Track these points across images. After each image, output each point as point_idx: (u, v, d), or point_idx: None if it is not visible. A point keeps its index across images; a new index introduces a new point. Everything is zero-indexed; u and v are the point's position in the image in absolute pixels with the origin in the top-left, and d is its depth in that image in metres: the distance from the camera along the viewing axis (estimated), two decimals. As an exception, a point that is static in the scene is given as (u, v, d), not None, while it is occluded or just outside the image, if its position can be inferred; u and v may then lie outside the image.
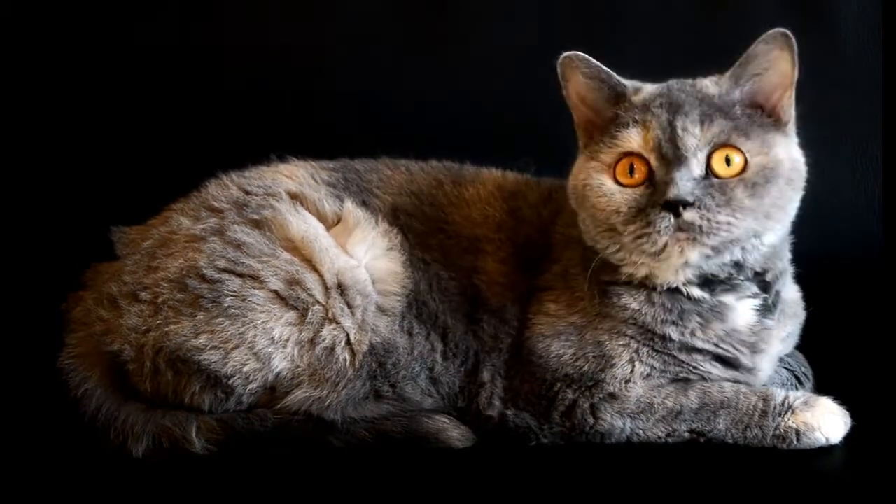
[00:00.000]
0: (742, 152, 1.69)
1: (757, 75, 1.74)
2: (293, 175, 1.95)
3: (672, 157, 1.68)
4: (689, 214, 1.65)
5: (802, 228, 1.86)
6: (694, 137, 1.68)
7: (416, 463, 1.76)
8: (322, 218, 1.88)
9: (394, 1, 2.63)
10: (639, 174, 1.71)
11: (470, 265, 1.88)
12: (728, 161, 1.68)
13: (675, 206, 1.65)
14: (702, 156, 1.68)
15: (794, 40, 1.71)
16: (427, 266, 1.89)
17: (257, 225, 1.83)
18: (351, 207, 1.89)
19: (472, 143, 2.16)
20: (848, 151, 2.51)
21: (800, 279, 1.93)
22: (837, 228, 2.48)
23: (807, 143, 1.79)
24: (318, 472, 1.74)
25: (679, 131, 1.68)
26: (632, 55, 2.48)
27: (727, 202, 1.67)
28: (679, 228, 1.66)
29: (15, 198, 2.58)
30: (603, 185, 1.73)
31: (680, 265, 1.73)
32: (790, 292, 1.90)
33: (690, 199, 1.65)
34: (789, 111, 1.76)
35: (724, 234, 1.67)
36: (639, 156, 1.71)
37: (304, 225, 1.83)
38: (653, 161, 1.70)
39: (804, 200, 1.78)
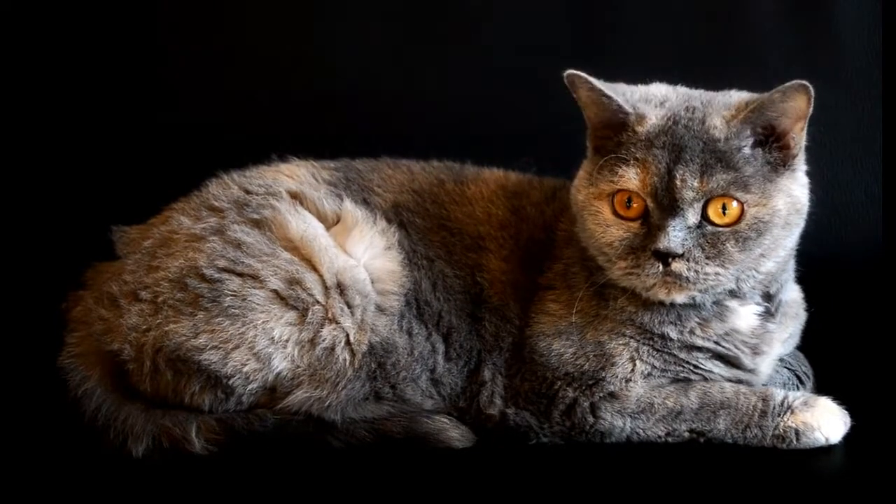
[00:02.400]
0: (740, 202, 1.68)
1: (771, 118, 1.70)
2: (294, 174, 1.95)
3: (667, 205, 1.67)
4: (676, 266, 1.67)
5: (802, 228, 1.86)
6: (691, 190, 1.67)
7: (416, 463, 1.76)
8: (322, 217, 1.87)
9: (394, 1, 2.63)
10: (636, 208, 1.71)
11: (473, 263, 1.88)
12: (724, 208, 1.68)
13: (665, 257, 1.66)
14: (698, 206, 1.68)
15: (812, 91, 1.66)
16: (431, 263, 1.88)
17: (257, 225, 1.83)
18: (350, 206, 1.89)
19: (472, 143, 2.16)
20: (848, 151, 2.51)
21: (800, 279, 1.93)
22: (837, 228, 2.47)
23: (807, 144, 1.79)
24: (318, 472, 1.74)
25: (677, 182, 1.66)
26: (631, 55, 2.48)
27: (717, 255, 1.68)
28: (667, 275, 1.68)
29: (15, 198, 2.58)
30: (600, 214, 1.74)
31: (667, 302, 1.75)
32: (791, 293, 1.90)
33: (680, 251, 1.66)
34: (800, 144, 1.73)
35: (710, 283, 1.70)
36: (636, 194, 1.71)
37: (303, 224, 1.83)
38: (649, 202, 1.69)
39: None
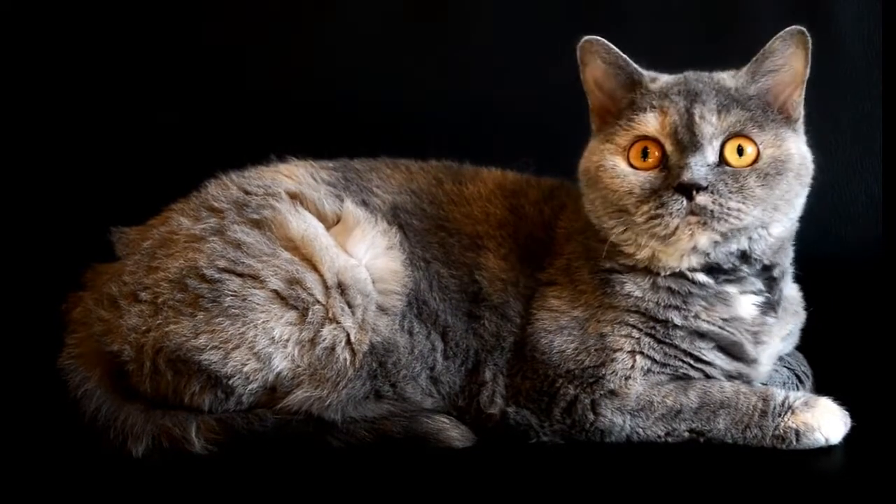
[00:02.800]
0: (755, 143, 1.72)
1: (772, 72, 1.77)
2: (293, 175, 1.95)
3: (688, 142, 1.70)
4: (701, 198, 1.68)
5: (803, 228, 1.87)
6: (710, 125, 1.71)
7: (416, 463, 1.76)
8: (322, 217, 1.88)
9: (394, 1, 2.63)
10: (652, 158, 1.74)
11: (471, 262, 1.89)
12: (740, 151, 1.72)
13: (689, 190, 1.68)
14: (717, 144, 1.71)
15: (809, 38, 1.74)
16: (427, 264, 1.89)
17: (257, 225, 1.83)
18: (351, 207, 1.89)
19: (471, 143, 2.16)
20: (848, 151, 2.51)
21: (800, 279, 1.94)
22: (837, 228, 2.48)
23: (807, 143, 1.80)
24: (318, 472, 1.74)
25: (696, 118, 1.71)
26: (631, 55, 2.48)
27: (739, 189, 1.70)
28: (691, 212, 1.69)
29: (15, 198, 2.58)
30: (617, 167, 1.76)
31: (688, 249, 1.75)
32: (791, 290, 1.91)
33: (704, 183, 1.68)
34: (799, 108, 1.80)
35: (733, 220, 1.70)
36: (654, 140, 1.74)
37: (303, 224, 1.83)
38: (668, 146, 1.72)
39: (805, 200, 1.80)
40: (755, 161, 1.72)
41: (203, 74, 2.62)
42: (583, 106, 1.88)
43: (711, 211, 1.68)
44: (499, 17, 2.61)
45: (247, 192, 1.90)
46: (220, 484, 1.72)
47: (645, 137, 1.74)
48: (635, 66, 1.80)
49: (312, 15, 2.63)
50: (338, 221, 1.88)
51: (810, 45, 1.75)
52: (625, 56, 1.79)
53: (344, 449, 1.79)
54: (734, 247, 1.75)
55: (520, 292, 1.86)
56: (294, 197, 1.89)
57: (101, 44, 2.60)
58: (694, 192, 1.67)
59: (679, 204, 1.68)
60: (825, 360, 1.99)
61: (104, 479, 1.73)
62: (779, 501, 1.63)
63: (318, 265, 1.80)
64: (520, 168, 2.04)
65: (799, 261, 1.90)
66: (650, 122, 1.74)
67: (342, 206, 1.89)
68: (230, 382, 1.78)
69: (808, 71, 1.76)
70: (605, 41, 1.79)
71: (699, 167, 1.69)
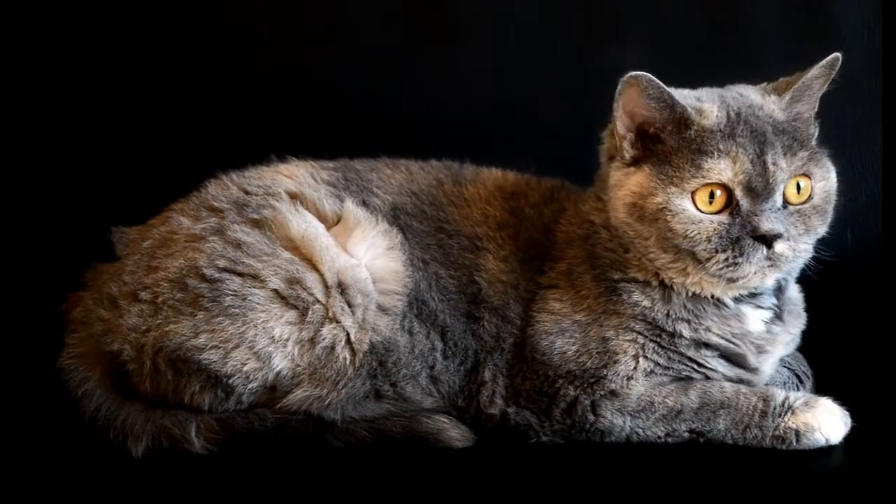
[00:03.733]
0: (810, 179, 1.72)
1: (809, 97, 1.77)
2: (293, 175, 1.95)
3: (761, 190, 1.68)
4: (780, 246, 1.69)
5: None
6: (782, 172, 1.69)
7: (416, 463, 1.76)
8: (322, 217, 1.88)
9: (394, 1, 2.63)
10: (719, 201, 1.70)
11: (471, 263, 1.88)
12: (798, 187, 1.71)
13: (770, 240, 1.68)
14: (782, 188, 1.70)
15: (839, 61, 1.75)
16: (426, 265, 1.89)
17: (257, 224, 1.83)
18: (351, 207, 1.89)
19: (471, 143, 2.16)
20: (848, 151, 2.51)
21: (800, 279, 1.93)
22: (837, 228, 2.47)
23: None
24: (318, 472, 1.74)
25: (770, 165, 1.68)
26: (632, 54, 2.48)
27: (807, 230, 1.72)
28: (769, 258, 1.69)
29: (15, 198, 2.58)
30: (687, 212, 1.70)
31: (750, 287, 1.78)
32: (793, 291, 1.91)
33: (782, 231, 1.68)
34: (814, 123, 1.80)
35: (801, 260, 1.74)
36: (724, 186, 1.70)
37: (304, 224, 1.83)
38: (738, 192, 1.69)
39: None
40: (810, 196, 1.72)
41: (203, 74, 2.61)
42: (583, 106, 1.88)
43: (787, 256, 1.70)
44: (499, 17, 2.61)
45: (247, 192, 1.90)
46: (220, 484, 1.72)
47: (716, 184, 1.70)
48: (680, 101, 1.72)
49: (312, 15, 2.63)
50: (338, 221, 1.88)
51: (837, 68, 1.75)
52: (670, 92, 1.71)
53: (344, 449, 1.79)
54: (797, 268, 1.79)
55: (520, 294, 1.86)
56: (294, 197, 1.89)
57: (102, 44, 2.59)
58: (773, 241, 1.68)
59: (760, 253, 1.68)
60: (825, 360, 1.99)
61: (104, 479, 1.73)
62: (779, 501, 1.63)
63: (318, 265, 1.80)
64: (521, 168, 2.04)
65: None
66: (724, 171, 1.68)
67: (342, 206, 1.89)
68: (230, 382, 1.78)
69: (824, 87, 1.78)
70: (653, 78, 1.69)
71: (776, 213, 1.68)
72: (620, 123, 1.75)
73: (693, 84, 1.84)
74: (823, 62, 1.74)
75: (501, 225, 1.91)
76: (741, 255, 1.69)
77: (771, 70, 2.46)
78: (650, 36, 2.55)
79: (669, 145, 1.73)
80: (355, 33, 2.61)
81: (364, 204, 1.92)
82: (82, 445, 1.80)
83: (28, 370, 2.03)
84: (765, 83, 1.82)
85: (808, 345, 1.97)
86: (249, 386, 1.78)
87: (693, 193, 1.70)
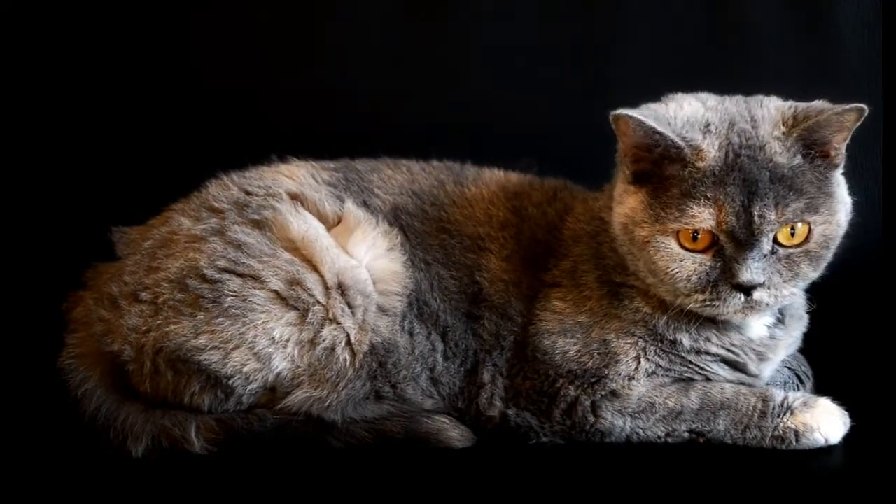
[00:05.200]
0: (808, 223, 1.68)
1: (824, 136, 1.69)
2: (294, 175, 1.95)
3: (745, 240, 1.66)
4: (758, 294, 1.68)
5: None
6: (769, 224, 1.65)
7: (416, 463, 1.76)
8: (323, 218, 1.88)
9: (394, 1, 2.63)
10: (703, 240, 1.68)
11: (472, 263, 1.88)
12: (793, 231, 1.68)
13: (748, 289, 1.67)
14: (772, 235, 1.67)
15: (867, 112, 1.67)
16: (428, 266, 1.89)
17: (258, 225, 1.83)
18: (352, 208, 1.89)
19: (473, 143, 2.15)
20: (848, 152, 2.51)
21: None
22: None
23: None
24: (317, 473, 1.74)
25: (756, 217, 1.64)
26: (632, 54, 2.48)
27: (793, 277, 1.69)
28: (748, 304, 1.68)
29: (15, 198, 2.58)
30: (670, 249, 1.69)
31: (739, 323, 1.77)
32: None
33: (762, 280, 1.66)
34: (841, 153, 1.72)
35: (785, 302, 1.73)
36: (708, 231, 1.68)
37: (304, 225, 1.83)
38: (723, 238, 1.67)
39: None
40: (806, 238, 1.68)
41: (204, 74, 2.61)
42: (583, 106, 1.88)
43: (767, 303, 1.69)
44: (500, 17, 2.61)
45: (248, 193, 1.90)
46: (219, 484, 1.72)
47: (701, 229, 1.68)
48: (674, 138, 1.65)
49: (313, 15, 2.62)
50: (339, 222, 1.88)
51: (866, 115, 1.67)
52: (661, 129, 1.65)
53: (344, 449, 1.79)
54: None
55: (522, 292, 1.86)
56: (295, 197, 1.89)
57: (102, 44, 2.59)
58: (752, 290, 1.67)
59: (736, 300, 1.68)
60: (825, 360, 1.99)
61: (104, 479, 1.73)
62: (779, 501, 1.63)
63: (318, 266, 1.80)
64: (523, 168, 2.04)
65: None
66: (706, 219, 1.65)
67: (343, 206, 1.89)
68: (230, 383, 1.78)
69: (857, 125, 1.69)
70: (638, 117, 1.64)
71: (757, 263, 1.65)
72: (620, 143, 1.72)
73: (694, 85, 1.84)
74: (842, 108, 1.66)
75: (504, 225, 1.91)
76: (718, 298, 1.68)
77: (770, 70, 2.47)
78: (651, 36, 2.54)
79: (667, 174, 1.69)
80: (356, 33, 2.61)
81: (365, 204, 1.92)
82: (82, 445, 1.80)
83: (28, 370, 2.03)
84: (790, 103, 1.74)
85: (809, 345, 1.97)
86: (249, 387, 1.79)
87: (678, 232, 1.69)
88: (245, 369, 1.77)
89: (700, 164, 1.67)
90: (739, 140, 1.68)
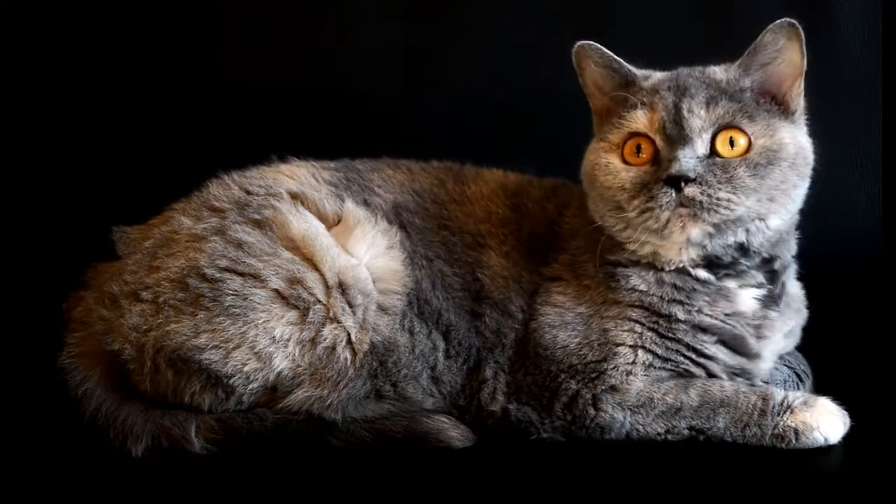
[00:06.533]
0: (746, 134, 1.73)
1: (766, 65, 1.78)
2: (294, 175, 1.95)
3: (676, 136, 1.72)
4: (690, 190, 1.69)
5: (802, 228, 1.87)
6: (699, 119, 1.72)
7: (416, 463, 1.76)
8: (323, 217, 1.88)
9: (395, 1, 2.63)
10: (645, 154, 1.76)
11: (473, 260, 1.89)
12: (732, 143, 1.73)
13: (677, 182, 1.69)
14: (706, 136, 1.72)
15: (800, 29, 1.74)
16: (430, 263, 1.89)
17: (258, 224, 1.83)
18: (351, 207, 1.89)
19: (472, 144, 2.16)
20: (848, 151, 2.52)
21: (800, 279, 1.94)
22: (837, 228, 2.48)
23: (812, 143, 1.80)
24: (318, 472, 1.74)
25: (684, 112, 1.73)
26: (631, 54, 2.48)
27: (728, 180, 1.70)
28: (681, 204, 1.69)
29: (15, 198, 2.58)
30: (610, 164, 1.78)
31: (682, 242, 1.76)
32: (794, 287, 1.92)
33: (692, 174, 1.69)
34: (798, 100, 1.80)
35: (724, 211, 1.70)
36: (645, 136, 1.76)
37: (304, 224, 1.83)
38: (658, 141, 1.74)
39: (805, 193, 1.80)
40: (747, 151, 1.72)
41: (204, 74, 2.62)
42: (583, 106, 1.88)
43: (701, 202, 1.69)
44: (500, 17, 2.61)
45: (248, 192, 1.90)
46: (219, 484, 1.72)
47: (636, 134, 1.77)
48: (628, 67, 1.82)
49: (313, 15, 2.63)
50: (339, 221, 1.89)
51: (803, 37, 1.75)
52: (617, 58, 1.82)
53: (344, 449, 1.79)
54: (731, 239, 1.76)
55: (522, 288, 1.87)
56: (295, 197, 1.89)
57: (102, 43, 2.60)
58: (682, 184, 1.69)
59: (668, 196, 1.70)
60: (825, 359, 1.99)
61: (104, 478, 1.73)
62: (778, 501, 1.63)
63: (319, 265, 1.80)
64: (521, 168, 2.04)
65: (799, 260, 1.90)
66: (639, 119, 1.76)
67: (343, 206, 1.89)
68: (231, 382, 1.78)
69: (804, 63, 1.77)
70: (597, 45, 1.81)
71: (688, 159, 1.70)
72: (591, 99, 1.87)
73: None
74: (771, 26, 1.74)
75: (504, 221, 1.92)
76: (651, 198, 1.71)
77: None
78: (650, 35, 2.55)
79: (615, 110, 1.81)
80: (356, 33, 2.62)
81: (365, 204, 1.92)
82: (82, 445, 1.80)
83: (28, 370, 2.03)
84: None
85: (809, 344, 1.97)
86: (250, 386, 1.79)
87: (622, 148, 1.78)
88: (246, 368, 1.77)
89: (644, 84, 1.81)
90: (686, 70, 1.82)
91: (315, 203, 1.89)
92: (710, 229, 1.73)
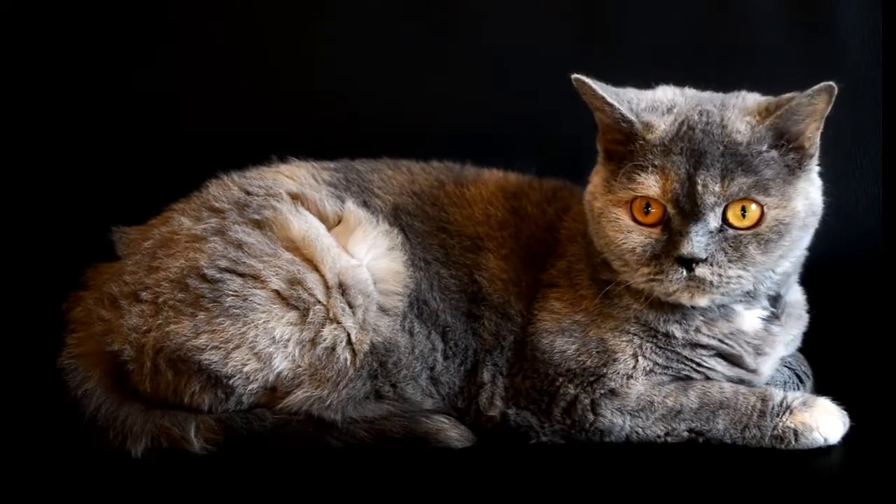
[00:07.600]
0: (760, 204, 1.68)
1: (794, 124, 1.70)
2: (294, 175, 1.95)
3: (689, 211, 1.67)
4: (700, 271, 1.67)
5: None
6: (713, 195, 1.66)
7: (416, 463, 1.76)
8: (323, 218, 1.88)
9: (394, 1, 2.63)
10: (655, 214, 1.71)
11: (472, 263, 1.89)
12: (744, 211, 1.68)
13: (689, 262, 1.67)
14: (719, 210, 1.68)
15: (835, 91, 1.66)
16: (428, 265, 1.89)
17: (258, 225, 1.83)
18: (352, 207, 1.89)
19: (472, 144, 2.16)
20: (848, 151, 2.51)
21: (800, 279, 1.93)
22: (837, 228, 2.47)
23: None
24: (317, 472, 1.74)
25: (699, 187, 1.66)
26: (632, 54, 2.48)
27: (739, 258, 1.68)
28: (690, 280, 1.68)
29: (15, 198, 2.58)
30: (620, 221, 1.73)
31: (687, 306, 1.75)
32: (795, 294, 1.91)
33: (703, 255, 1.66)
34: (815, 144, 1.74)
35: (733, 286, 1.70)
36: (656, 200, 1.70)
37: (305, 225, 1.83)
38: (669, 209, 1.69)
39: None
40: (758, 222, 1.68)
41: (204, 74, 2.61)
42: (583, 106, 1.88)
43: (711, 282, 1.68)
44: (500, 17, 2.61)
45: (248, 193, 1.90)
46: (219, 484, 1.72)
47: (647, 197, 1.71)
48: (623, 111, 1.72)
49: (313, 15, 2.63)
50: (339, 222, 1.89)
51: (834, 96, 1.66)
52: (611, 100, 1.71)
53: (344, 449, 1.79)
54: (739, 292, 1.75)
55: (521, 291, 1.86)
56: (295, 197, 1.89)
57: (102, 43, 2.59)
58: (694, 265, 1.67)
59: (678, 274, 1.68)
60: (825, 360, 1.99)
61: (104, 479, 1.73)
62: (778, 501, 1.63)
63: (319, 265, 1.80)
64: (522, 169, 2.04)
65: (800, 261, 1.90)
66: (651, 186, 1.69)
67: (343, 206, 1.89)
68: (230, 382, 1.78)
69: (829, 109, 1.69)
70: (591, 83, 1.71)
71: (699, 237, 1.66)
72: (597, 114, 1.77)
73: (693, 85, 1.84)
74: (811, 90, 1.66)
75: (503, 224, 1.92)
76: (661, 272, 1.69)
77: (770, 70, 2.47)
78: (651, 35, 2.55)
79: (621, 150, 1.74)
80: (356, 33, 2.61)
81: (365, 204, 1.92)
82: (82, 445, 1.80)
83: (28, 370, 2.03)
84: (769, 98, 1.76)
85: (809, 345, 1.97)
86: (250, 387, 1.79)
87: (630, 204, 1.71)
88: (245, 369, 1.77)
89: (649, 136, 1.71)
90: (699, 118, 1.71)
91: (315, 203, 1.89)
92: (718, 298, 1.73)
